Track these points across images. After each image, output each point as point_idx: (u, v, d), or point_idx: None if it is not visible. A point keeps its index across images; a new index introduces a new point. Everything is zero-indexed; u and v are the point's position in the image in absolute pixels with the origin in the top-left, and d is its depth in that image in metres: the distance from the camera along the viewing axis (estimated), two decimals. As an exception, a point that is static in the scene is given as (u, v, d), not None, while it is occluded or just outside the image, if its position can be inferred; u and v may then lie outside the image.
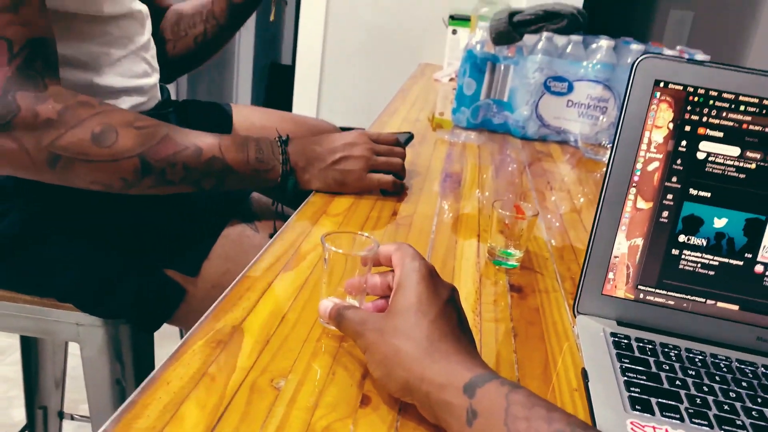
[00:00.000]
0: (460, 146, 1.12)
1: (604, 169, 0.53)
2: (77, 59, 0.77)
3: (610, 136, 1.14)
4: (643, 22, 2.06)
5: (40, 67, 0.65)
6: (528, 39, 1.20)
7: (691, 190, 0.51)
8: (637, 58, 0.50)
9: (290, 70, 4.01)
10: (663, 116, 0.51)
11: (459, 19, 1.87)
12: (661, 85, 0.50)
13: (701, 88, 0.50)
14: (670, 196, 0.52)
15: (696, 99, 0.50)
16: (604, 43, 1.16)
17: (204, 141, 0.72)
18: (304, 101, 2.31)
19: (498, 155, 1.09)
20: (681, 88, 0.50)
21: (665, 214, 0.52)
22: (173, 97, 1.09)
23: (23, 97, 0.63)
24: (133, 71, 0.85)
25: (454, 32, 1.88)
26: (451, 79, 1.83)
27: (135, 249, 0.77)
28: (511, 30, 1.16)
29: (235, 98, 3.89)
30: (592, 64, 1.15)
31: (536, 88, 1.18)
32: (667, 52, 1.15)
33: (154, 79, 0.91)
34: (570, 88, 1.17)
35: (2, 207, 0.76)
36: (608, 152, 1.13)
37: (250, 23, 3.60)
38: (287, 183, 0.76)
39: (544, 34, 1.17)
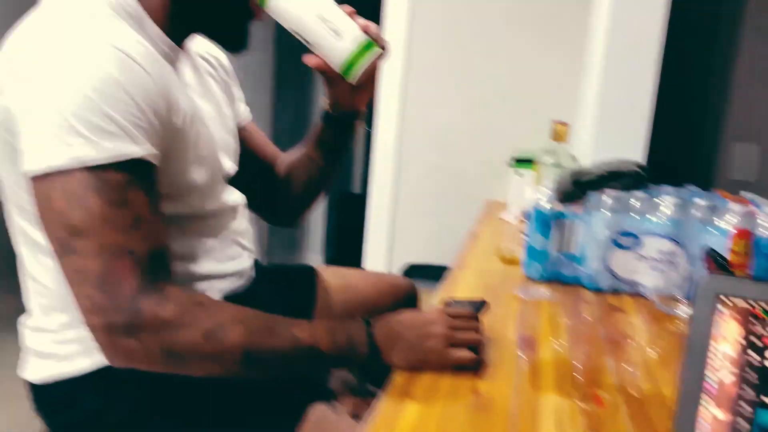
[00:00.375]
0: (533, 304, 1.15)
1: (681, 327, 0.56)
2: (181, 252, 0.87)
3: (684, 289, 1.16)
4: (708, 159, 2.10)
5: (159, 273, 0.74)
6: (593, 196, 1.26)
7: (766, 399, 0.54)
8: (701, 278, 0.54)
9: (360, 198, 4.21)
10: (729, 329, 0.54)
11: (522, 161, 1.96)
12: (725, 299, 0.54)
13: (763, 301, 0.54)
14: (744, 406, 0.54)
15: (760, 312, 0.54)
16: (668, 198, 1.20)
17: (300, 330, 0.79)
18: (378, 236, 2.42)
19: (571, 311, 1.12)
20: (744, 302, 0.54)
21: (741, 423, 0.54)
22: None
23: (147, 303, 0.72)
24: (229, 255, 0.95)
25: (519, 174, 1.96)
26: (518, 220, 1.89)
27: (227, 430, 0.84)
28: (576, 190, 1.22)
29: (307, 227, 4.07)
30: (659, 220, 1.19)
31: (605, 242, 1.22)
32: (733, 206, 1.18)
33: (248, 262, 1.01)
34: (639, 243, 1.20)
35: (113, 394, 0.84)
36: (682, 306, 1.14)
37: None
38: (372, 363, 0.82)
39: (609, 192, 1.22)
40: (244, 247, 1.01)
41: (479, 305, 0.98)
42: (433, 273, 2.18)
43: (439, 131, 2.30)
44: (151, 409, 0.84)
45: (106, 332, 0.71)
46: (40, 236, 0.79)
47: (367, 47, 0.88)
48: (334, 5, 0.89)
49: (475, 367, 0.86)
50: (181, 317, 0.73)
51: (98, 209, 0.70)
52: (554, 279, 1.29)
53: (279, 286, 1.14)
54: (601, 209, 1.23)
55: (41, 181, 0.71)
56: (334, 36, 0.87)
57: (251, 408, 0.86)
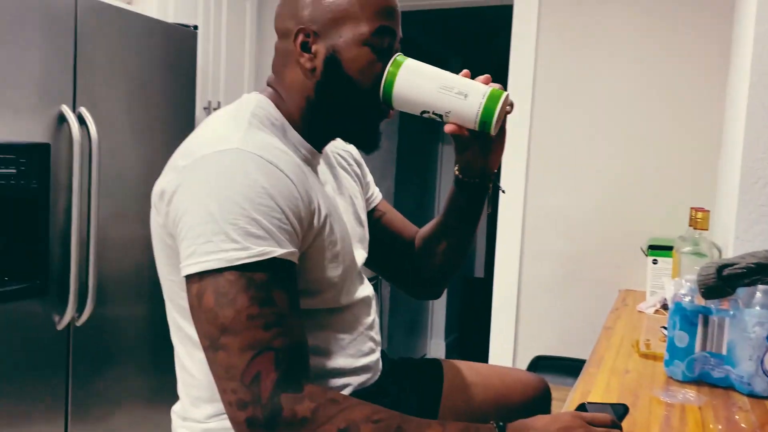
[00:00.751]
0: (679, 408, 1.06)
1: None
2: (318, 347, 0.90)
3: None
4: None
5: (298, 369, 0.77)
6: (742, 290, 1.16)
7: None
8: None
9: (483, 282, 4.15)
10: None
11: (659, 249, 1.86)
12: None
13: None
14: None
15: None
16: (833, 294, 1.08)
17: (432, 431, 0.78)
18: (503, 324, 2.36)
19: (724, 418, 1.02)
20: None
21: None
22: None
23: (286, 399, 0.75)
24: (362, 350, 0.97)
25: (655, 262, 1.86)
26: (656, 311, 1.77)
27: None
28: (722, 284, 1.13)
29: (431, 312, 4.05)
30: (823, 318, 1.07)
31: (759, 342, 1.11)
32: None
33: (377, 354, 1.02)
34: (800, 344, 1.08)
35: None
36: None
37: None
38: None
39: (761, 286, 1.12)
40: (374, 341, 1.03)
41: (621, 411, 0.91)
42: (562, 366, 2.08)
43: (566, 216, 2.25)
44: None
45: (247, 426, 0.75)
46: (193, 331, 0.86)
47: (495, 95, 0.91)
48: (450, 74, 0.93)
49: (617, 480, 0.79)
50: (317, 415, 0.75)
51: (244, 308, 0.76)
52: (701, 381, 1.18)
53: (406, 380, 1.13)
54: (754, 305, 1.13)
55: (195, 281, 0.78)
56: (461, 98, 0.90)
57: None
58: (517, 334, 2.32)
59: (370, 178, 1.17)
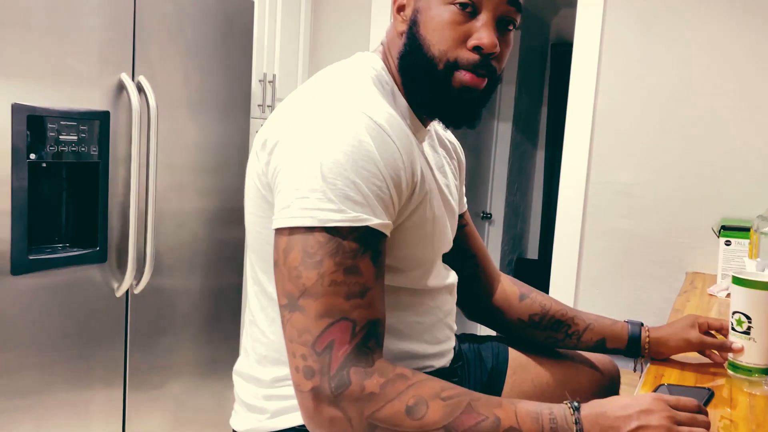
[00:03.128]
0: (762, 398, 0.99)
1: None
2: (395, 327, 0.87)
3: None
4: None
5: (372, 344, 0.74)
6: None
7: None
8: None
9: (537, 264, 4.06)
10: None
11: (733, 230, 1.76)
12: None
13: None
14: None
15: None
16: None
17: (502, 410, 0.74)
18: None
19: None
20: None
21: None
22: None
23: (355, 372, 0.71)
24: (438, 338, 0.94)
25: (728, 243, 1.76)
26: (728, 295, 1.68)
27: None
28: (815, 265, 1.04)
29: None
30: None
31: None
32: None
33: (453, 341, 0.99)
34: None
35: None
36: None
37: (498, 218, 3.78)
38: None
39: None
40: (451, 329, 0.99)
41: (706, 396, 0.85)
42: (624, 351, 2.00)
43: (631, 195, 2.14)
44: None
45: (313, 397, 0.72)
46: (273, 288, 0.83)
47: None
48: None
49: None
50: (385, 390, 0.72)
51: (329, 272, 0.73)
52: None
53: (474, 360, 1.10)
54: None
55: (284, 235, 0.75)
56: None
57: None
58: (574, 316, 2.24)
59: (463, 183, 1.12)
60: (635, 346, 1.12)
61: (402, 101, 0.88)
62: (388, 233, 0.78)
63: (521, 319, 1.12)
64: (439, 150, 1.02)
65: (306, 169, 0.74)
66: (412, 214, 0.83)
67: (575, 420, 0.74)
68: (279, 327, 0.81)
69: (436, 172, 0.96)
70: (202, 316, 1.93)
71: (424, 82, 0.85)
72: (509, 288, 1.14)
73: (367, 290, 0.74)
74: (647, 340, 1.12)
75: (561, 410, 0.75)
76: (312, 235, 0.73)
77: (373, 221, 0.75)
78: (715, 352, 1.11)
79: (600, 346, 1.13)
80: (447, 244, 0.96)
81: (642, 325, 1.14)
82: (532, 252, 4.27)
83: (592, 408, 0.76)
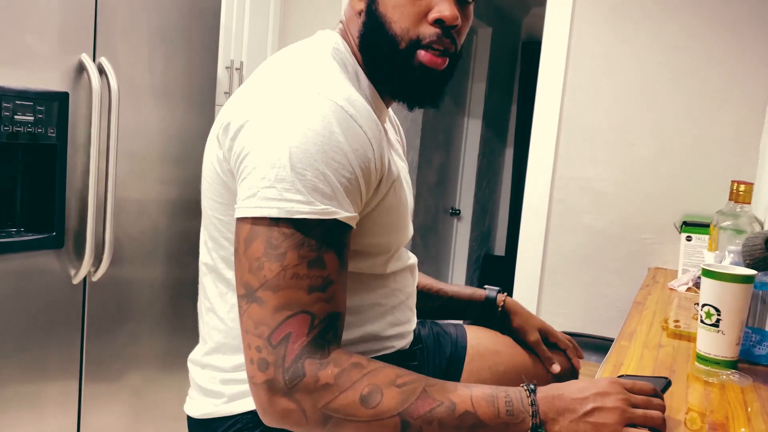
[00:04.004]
0: (718, 387, 1.00)
1: None
2: (357, 310, 0.86)
3: None
4: None
5: (330, 337, 0.73)
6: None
7: None
8: None
9: (503, 260, 4.09)
10: None
11: (694, 226, 1.78)
12: None
13: None
14: None
15: None
16: None
17: (456, 394, 0.73)
18: (524, 302, 2.30)
19: None
20: None
21: None
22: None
23: (310, 364, 0.70)
24: (399, 319, 0.93)
25: (689, 239, 1.79)
26: (689, 289, 1.71)
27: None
28: (771, 256, 1.06)
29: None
30: None
31: (807, 319, 1.04)
32: None
33: (414, 324, 0.99)
34: None
35: None
36: None
37: (467, 215, 3.80)
38: None
39: (813, 260, 1.05)
40: (412, 311, 0.99)
41: (663, 384, 0.86)
42: (586, 344, 2.02)
43: (595, 190, 2.17)
44: None
45: (266, 389, 0.71)
46: (232, 276, 0.81)
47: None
48: None
49: (656, 452, 0.74)
50: (339, 380, 0.71)
51: (292, 265, 0.71)
52: (741, 358, 1.12)
53: (433, 346, 1.09)
54: (803, 280, 1.06)
55: (247, 225, 0.73)
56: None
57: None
58: (539, 312, 2.26)
59: None
60: (491, 307, 1.19)
61: (365, 81, 0.86)
62: (354, 225, 0.77)
63: None
64: (393, 133, 1.00)
65: (274, 159, 0.72)
66: (379, 204, 0.82)
67: (531, 401, 0.74)
68: (236, 313, 0.80)
69: (398, 159, 0.94)
70: (162, 307, 1.89)
71: (387, 62, 0.84)
72: None
73: (330, 284, 0.73)
74: (502, 302, 1.18)
75: (517, 393, 0.75)
76: (277, 227, 0.71)
77: (341, 214, 0.74)
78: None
79: (462, 311, 1.20)
80: (410, 230, 0.95)
81: (503, 292, 1.22)
82: (500, 249, 4.30)
83: (548, 390, 0.76)
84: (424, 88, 0.86)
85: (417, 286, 1.07)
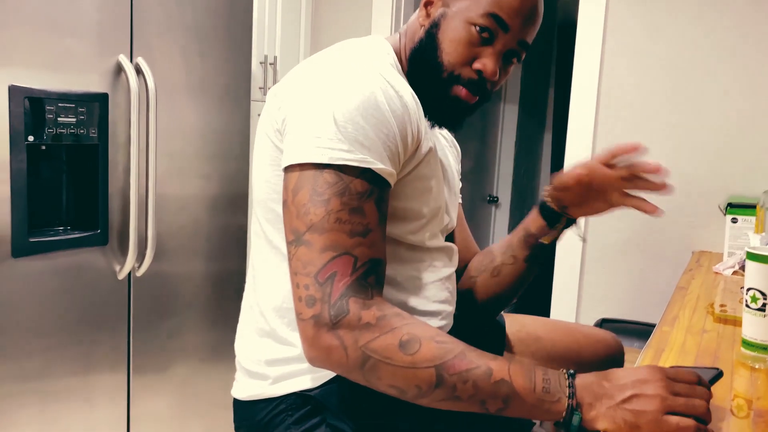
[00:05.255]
0: (765, 372, 0.97)
1: None
2: (394, 279, 0.89)
3: None
4: None
5: (372, 281, 0.77)
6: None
7: None
8: None
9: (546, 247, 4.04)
10: None
11: (739, 207, 1.73)
12: None
13: None
14: None
15: None
16: None
17: (495, 362, 0.74)
18: (565, 287, 2.27)
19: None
20: None
21: None
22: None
23: (354, 302, 0.74)
24: (436, 296, 0.95)
25: (734, 221, 1.73)
26: (735, 272, 1.66)
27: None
28: (820, 237, 1.02)
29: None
30: None
31: None
32: None
33: (452, 306, 0.99)
34: None
35: (313, 420, 0.86)
36: None
37: (505, 202, 3.76)
38: (571, 419, 0.73)
39: None
40: (450, 293, 0.99)
41: (713, 374, 0.83)
42: (628, 330, 1.99)
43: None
44: None
45: (313, 324, 0.75)
46: (277, 237, 0.88)
47: None
48: None
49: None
50: (381, 322, 0.74)
51: (335, 210, 0.77)
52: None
53: (467, 329, 1.09)
54: None
55: (294, 174, 0.79)
56: None
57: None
58: (580, 297, 2.23)
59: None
60: (549, 212, 1.05)
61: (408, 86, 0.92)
62: (392, 182, 0.82)
63: (472, 277, 1.13)
64: (441, 140, 1.07)
65: (318, 113, 0.79)
66: (413, 170, 0.87)
67: (569, 384, 0.73)
68: (283, 276, 0.86)
69: (437, 143, 0.99)
70: (204, 300, 1.93)
71: (426, 80, 0.92)
72: (472, 260, 1.16)
73: (370, 231, 0.78)
74: (549, 200, 1.05)
75: (555, 374, 0.75)
76: (321, 175, 0.77)
77: (379, 166, 0.79)
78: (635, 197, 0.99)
79: (530, 239, 1.07)
80: (444, 208, 0.97)
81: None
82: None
83: (587, 377, 0.75)
84: (451, 115, 0.93)
85: (491, 264, 1.10)
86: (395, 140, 0.81)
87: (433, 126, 0.94)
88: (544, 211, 1.05)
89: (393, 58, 0.93)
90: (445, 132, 1.11)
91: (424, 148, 0.87)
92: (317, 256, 0.76)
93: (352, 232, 0.77)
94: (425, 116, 0.93)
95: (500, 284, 1.10)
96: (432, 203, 0.92)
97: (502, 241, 1.12)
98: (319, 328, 0.74)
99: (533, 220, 1.07)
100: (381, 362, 0.73)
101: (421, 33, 0.92)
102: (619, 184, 0.96)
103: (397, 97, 0.82)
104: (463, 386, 0.72)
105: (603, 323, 2.08)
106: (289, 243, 0.79)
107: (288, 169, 0.80)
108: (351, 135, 0.78)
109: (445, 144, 1.09)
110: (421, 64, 0.91)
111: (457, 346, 0.75)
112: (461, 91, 0.90)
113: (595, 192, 0.99)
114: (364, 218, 0.77)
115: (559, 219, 1.05)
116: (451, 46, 0.89)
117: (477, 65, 0.89)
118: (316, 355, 0.76)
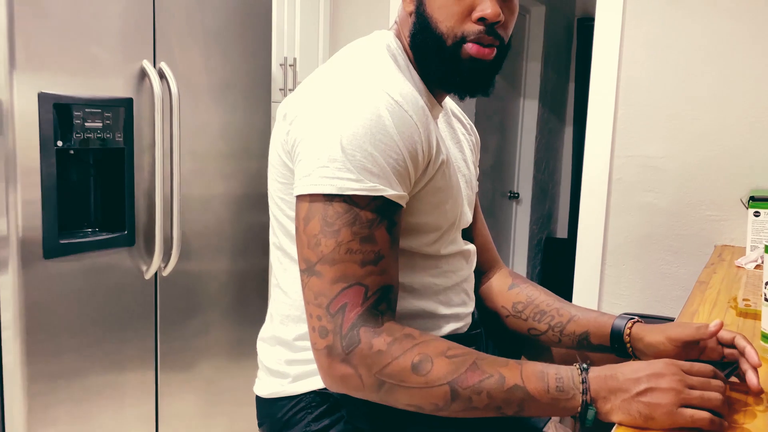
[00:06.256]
0: (785, 365, 0.97)
1: None
2: (410, 287, 0.90)
3: None
4: None
5: (383, 308, 0.78)
6: None
7: None
8: None
9: (566, 243, 4.02)
10: None
11: (762, 200, 1.72)
12: None
13: None
14: None
15: None
16: None
17: (507, 368, 0.75)
18: (587, 284, 2.27)
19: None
20: None
21: None
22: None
23: (365, 332, 0.75)
24: (454, 301, 0.96)
25: (757, 214, 1.72)
26: (757, 266, 1.65)
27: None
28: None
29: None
30: None
31: None
32: None
33: (470, 308, 1.01)
34: None
35: (331, 417, 0.87)
36: None
37: (526, 198, 3.75)
38: (586, 414, 0.74)
39: None
40: (468, 295, 1.00)
41: (730, 368, 0.84)
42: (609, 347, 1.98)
43: (656, 167, 2.11)
44: None
45: (326, 354, 0.77)
46: (292, 249, 0.89)
47: None
48: None
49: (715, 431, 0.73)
50: (392, 348, 0.75)
51: (346, 241, 0.77)
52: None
53: (492, 329, 1.10)
54: None
55: (305, 204, 0.80)
56: None
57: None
58: (601, 293, 2.23)
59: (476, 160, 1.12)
60: (618, 341, 0.98)
61: (416, 77, 0.91)
62: (403, 204, 0.82)
63: (505, 307, 1.09)
64: (456, 126, 1.05)
65: (326, 141, 0.78)
66: (427, 184, 0.86)
67: (582, 379, 0.74)
68: (299, 286, 0.87)
69: (451, 144, 0.99)
70: (230, 298, 1.97)
71: (436, 58, 0.89)
72: (502, 278, 1.12)
73: (381, 258, 0.78)
74: (628, 332, 0.97)
75: (568, 371, 0.76)
76: (331, 206, 0.77)
77: (389, 192, 0.79)
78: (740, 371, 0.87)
79: (583, 341, 1.02)
80: (462, 215, 0.97)
81: (633, 319, 1.00)
82: (562, 231, 4.23)
83: (601, 370, 0.76)
84: (473, 78, 0.89)
85: (534, 302, 1.06)
86: (405, 162, 0.80)
87: (463, 98, 0.92)
88: (617, 341, 0.98)
89: (397, 49, 0.90)
90: (464, 118, 1.09)
91: (436, 161, 0.86)
92: (328, 288, 0.77)
93: (363, 262, 0.77)
94: (451, 92, 0.93)
95: (527, 336, 1.07)
96: (449, 215, 0.92)
97: (558, 312, 1.04)
98: (332, 359, 0.76)
99: (599, 335, 1.00)
100: (396, 386, 0.75)
101: (412, 19, 0.90)
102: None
103: (405, 115, 0.80)
104: (477, 397, 0.74)
105: (624, 318, 2.07)
106: (301, 271, 0.80)
107: (299, 198, 0.81)
108: (359, 163, 0.77)
109: (462, 133, 1.06)
110: (425, 46, 0.88)
111: (469, 356, 0.76)
112: (472, 48, 0.86)
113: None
114: (375, 246, 0.78)
115: (626, 354, 0.99)
116: (442, 12, 0.86)
117: (476, 14, 0.85)
118: (333, 383, 0.79)
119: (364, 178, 0.77)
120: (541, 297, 1.07)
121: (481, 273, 1.13)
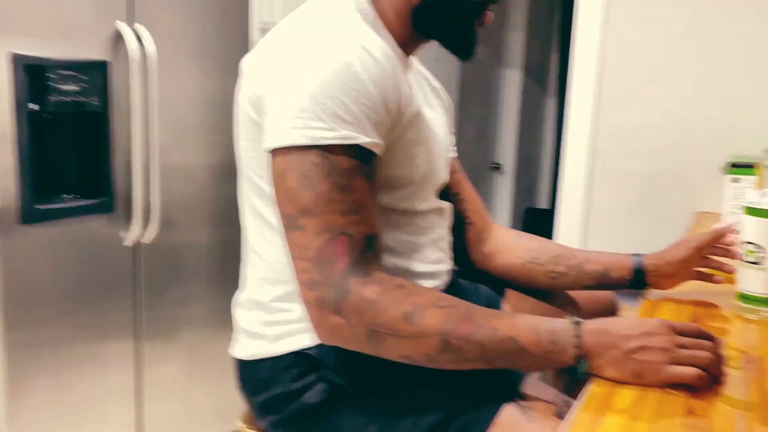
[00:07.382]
0: (760, 323, 0.99)
1: None
2: (386, 245, 0.89)
3: None
4: None
5: (370, 257, 0.77)
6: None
7: None
8: None
9: (548, 213, 4.04)
10: None
11: (740, 167, 1.73)
12: None
13: None
14: None
15: None
16: None
17: (500, 320, 0.75)
18: (566, 251, 2.28)
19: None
20: None
21: None
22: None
23: (354, 282, 0.74)
24: (430, 257, 0.95)
25: (735, 181, 1.74)
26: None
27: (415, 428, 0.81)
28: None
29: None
30: None
31: None
32: None
33: (447, 265, 1.00)
34: None
35: (311, 376, 0.87)
36: None
37: (508, 169, 3.76)
38: (578, 367, 0.75)
39: None
40: (445, 253, 1.00)
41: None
42: (631, 292, 2.00)
43: (637, 135, 2.11)
44: (344, 397, 0.86)
45: (317, 306, 0.76)
46: (268, 212, 0.87)
47: None
48: None
49: (703, 386, 0.73)
50: (383, 298, 0.74)
51: (325, 192, 0.76)
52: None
53: (470, 288, 1.10)
54: None
55: (279, 157, 0.78)
56: None
57: (441, 405, 0.84)
58: (582, 260, 2.24)
59: (452, 130, 1.12)
60: (640, 275, 1.09)
61: (385, 33, 0.88)
62: (379, 152, 0.81)
63: (520, 256, 1.11)
64: (426, 87, 1.04)
65: (295, 90, 0.76)
66: (401, 137, 0.85)
67: (575, 333, 0.75)
68: (275, 248, 0.86)
69: (422, 101, 0.97)
70: (212, 267, 1.96)
71: (454, 20, 0.88)
72: (504, 232, 1.15)
73: (362, 207, 0.77)
74: (650, 267, 1.08)
75: (561, 324, 0.76)
76: (306, 158, 0.76)
77: (364, 139, 0.77)
78: (715, 273, 1.10)
79: (603, 278, 1.09)
80: (434, 170, 0.96)
81: (641, 255, 1.12)
82: (544, 202, 4.25)
83: (594, 324, 0.76)
84: (472, 44, 0.91)
85: (546, 247, 1.11)
86: (378, 110, 0.79)
87: (466, 59, 0.92)
88: (638, 273, 1.09)
89: (364, 3, 0.87)
90: (433, 81, 1.08)
91: (408, 113, 0.85)
92: (313, 240, 0.76)
93: (345, 211, 0.76)
94: (451, 51, 0.92)
95: (546, 283, 1.11)
96: (421, 168, 0.91)
97: (572, 254, 1.11)
98: (322, 311, 0.75)
99: (619, 269, 1.10)
100: (388, 335, 0.74)
101: None
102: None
103: (375, 62, 0.79)
104: (469, 348, 0.74)
105: (604, 285, 2.10)
106: (284, 227, 0.79)
107: (272, 152, 0.79)
108: (331, 111, 0.75)
109: (433, 98, 1.05)
110: (443, 8, 0.87)
111: (460, 308, 0.76)
112: (489, 16, 0.89)
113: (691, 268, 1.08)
114: (354, 195, 0.77)
115: (644, 286, 1.09)
116: None
117: None
118: (325, 335, 0.78)
119: (337, 126, 0.76)
120: (549, 243, 1.13)
121: (482, 230, 1.12)
